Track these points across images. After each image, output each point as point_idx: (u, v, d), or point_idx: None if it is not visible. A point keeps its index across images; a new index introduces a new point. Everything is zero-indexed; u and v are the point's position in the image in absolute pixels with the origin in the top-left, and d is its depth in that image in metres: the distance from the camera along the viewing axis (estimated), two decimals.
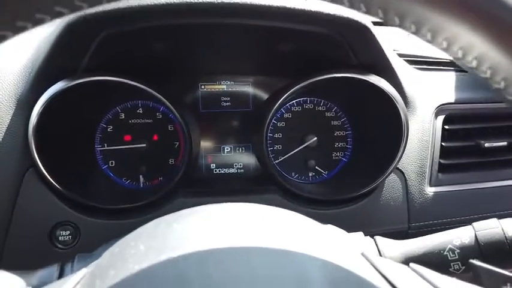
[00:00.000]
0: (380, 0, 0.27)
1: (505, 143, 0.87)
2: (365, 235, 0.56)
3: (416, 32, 0.29)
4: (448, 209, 0.84)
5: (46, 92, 0.69)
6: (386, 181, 0.83)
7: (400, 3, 0.27)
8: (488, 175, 0.88)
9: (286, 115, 0.96)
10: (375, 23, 0.77)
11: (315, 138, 0.94)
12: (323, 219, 0.43)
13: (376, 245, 0.52)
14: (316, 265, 0.29)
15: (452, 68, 0.97)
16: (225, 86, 0.96)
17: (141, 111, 0.92)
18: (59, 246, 0.73)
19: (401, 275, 0.35)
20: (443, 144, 0.87)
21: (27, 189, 0.72)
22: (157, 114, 0.92)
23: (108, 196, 0.82)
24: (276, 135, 0.96)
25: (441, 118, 0.88)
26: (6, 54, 0.77)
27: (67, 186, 0.73)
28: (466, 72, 0.96)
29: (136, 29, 0.67)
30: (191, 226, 0.34)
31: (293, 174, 0.96)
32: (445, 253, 0.50)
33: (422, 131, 0.86)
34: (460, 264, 0.49)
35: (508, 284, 0.40)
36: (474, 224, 0.52)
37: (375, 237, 0.55)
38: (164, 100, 0.76)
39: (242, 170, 0.98)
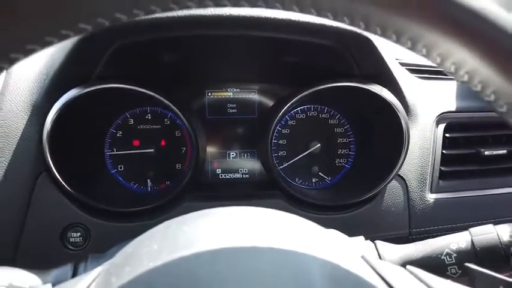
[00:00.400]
0: (377, 18, 0.30)
1: (504, 151, 0.89)
2: (366, 240, 0.58)
3: (412, 48, 0.32)
4: (449, 215, 0.86)
5: (60, 99, 0.72)
6: (388, 187, 0.85)
7: (396, 22, 0.29)
8: (488, 182, 0.89)
9: (290, 122, 0.98)
10: None
11: (319, 145, 0.96)
12: (325, 224, 0.45)
13: (376, 248, 0.54)
14: (317, 264, 0.31)
15: (454, 78, 0.99)
16: (231, 93, 0.99)
17: (149, 117, 0.94)
18: (70, 247, 0.76)
19: (398, 276, 0.37)
20: (444, 151, 0.88)
21: (40, 192, 0.74)
22: (165, 120, 0.95)
23: (117, 199, 0.84)
24: (281, 142, 0.98)
25: (442, 126, 0.90)
26: (21, 62, 0.80)
27: (78, 190, 0.76)
28: None
29: (147, 39, 0.70)
30: (201, 227, 0.36)
31: (297, 180, 0.98)
32: (442, 257, 0.52)
33: (424, 138, 0.88)
34: (456, 268, 0.51)
35: (501, 287, 0.42)
36: (471, 229, 0.54)
37: (375, 241, 0.57)
38: (172, 106, 0.78)
39: (247, 176, 1.00)
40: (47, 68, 0.76)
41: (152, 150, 0.93)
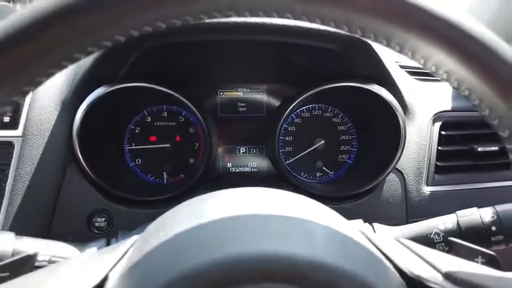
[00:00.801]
0: (371, 27, 0.36)
1: (496, 148, 0.96)
2: (364, 223, 0.65)
3: (400, 51, 0.38)
4: (443, 206, 0.92)
5: (88, 97, 0.79)
6: (386, 180, 0.92)
7: (385, 30, 0.36)
8: (480, 177, 0.96)
9: (296, 120, 1.05)
10: None
11: (323, 142, 1.03)
12: None
13: (373, 228, 0.61)
14: (321, 227, 0.38)
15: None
16: (241, 93, 1.06)
17: (165, 115, 1.02)
18: (96, 231, 0.83)
19: (391, 245, 0.44)
20: (439, 148, 0.95)
21: (69, 181, 0.82)
22: (180, 117, 1.02)
23: (136, 189, 0.91)
24: (287, 139, 1.05)
25: (438, 124, 0.96)
26: None
27: (102, 179, 0.83)
28: None
29: (169, 43, 0.77)
30: (224, 200, 0.43)
31: (302, 174, 1.05)
32: (431, 236, 0.59)
33: (420, 135, 0.94)
34: (444, 245, 0.58)
35: (479, 257, 0.48)
36: (457, 212, 0.61)
37: (372, 223, 0.64)
38: (189, 105, 0.86)
39: (256, 169, 1.07)
40: (75, 69, 0.84)
41: (168, 145, 1.01)
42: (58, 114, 0.82)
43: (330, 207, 0.42)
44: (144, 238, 0.43)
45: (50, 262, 0.54)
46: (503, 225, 0.56)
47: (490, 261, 0.48)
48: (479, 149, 0.95)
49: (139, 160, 1.01)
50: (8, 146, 0.78)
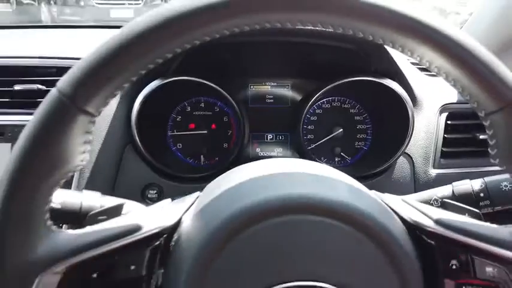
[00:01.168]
0: (379, 33, 0.49)
1: None
2: None
3: (402, 52, 0.51)
4: None
5: (146, 88, 0.95)
6: (397, 163, 1.04)
7: (390, 36, 0.49)
8: (481, 161, 1.07)
9: (317, 111, 1.18)
10: None
11: (341, 130, 1.16)
12: None
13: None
14: (346, 183, 0.52)
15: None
16: (269, 87, 1.20)
17: (203, 105, 1.16)
18: (149, 202, 0.99)
19: (395, 201, 0.57)
20: (445, 136, 1.07)
21: (126, 159, 0.98)
22: (215, 108, 1.17)
23: (179, 168, 1.07)
24: (309, 127, 1.18)
25: (445, 115, 1.08)
26: None
27: (154, 158, 0.99)
28: None
29: (211, 44, 0.92)
30: (265, 166, 0.57)
31: (322, 158, 1.19)
32: (430, 202, 0.72)
33: (428, 125, 1.07)
34: (440, 209, 0.71)
35: (466, 214, 0.61)
36: (453, 183, 0.74)
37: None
38: (227, 96, 1.01)
39: (281, 154, 1.21)
40: None
41: (205, 132, 1.15)
42: (118, 102, 0.98)
43: None
44: (206, 191, 0.57)
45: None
46: (489, 192, 0.69)
47: (475, 218, 0.61)
48: (481, 136, 1.06)
49: (180, 144, 1.16)
50: None
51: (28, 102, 0.94)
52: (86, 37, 1.34)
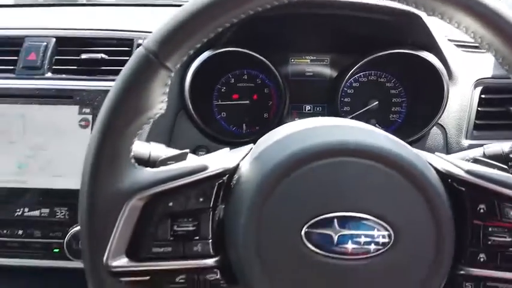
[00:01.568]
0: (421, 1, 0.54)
1: None
2: None
3: (442, 19, 0.57)
4: None
5: (198, 58, 1.04)
6: (431, 132, 1.10)
7: (430, 4, 0.54)
8: None
9: (354, 84, 1.24)
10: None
11: (376, 103, 1.22)
12: None
13: None
14: (382, 133, 0.59)
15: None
16: (309, 60, 1.26)
17: (245, 77, 1.24)
18: None
19: (430, 154, 0.64)
20: (479, 109, 1.11)
21: (179, 124, 1.08)
22: (257, 80, 1.24)
23: (224, 133, 1.16)
24: (346, 100, 1.24)
25: (479, 89, 1.12)
26: None
27: (203, 123, 1.09)
28: None
29: (258, 17, 0.99)
30: (311, 121, 0.64)
31: None
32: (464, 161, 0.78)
33: (462, 98, 1.11)
34: None
35: (495, 169, 0.66)
36: (484, 145, 0.79)
37: None
38: (272, 68, 1.08)
39: None
40: None
41: (247, 102, 1.24)
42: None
43: None
44: (259, 142, 0.65)
45: None
46: None
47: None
48: None
49: (224, 113, 1.25)
50: None
51: (93, 69, 1.04)
52: (137, 14, 1.44)
